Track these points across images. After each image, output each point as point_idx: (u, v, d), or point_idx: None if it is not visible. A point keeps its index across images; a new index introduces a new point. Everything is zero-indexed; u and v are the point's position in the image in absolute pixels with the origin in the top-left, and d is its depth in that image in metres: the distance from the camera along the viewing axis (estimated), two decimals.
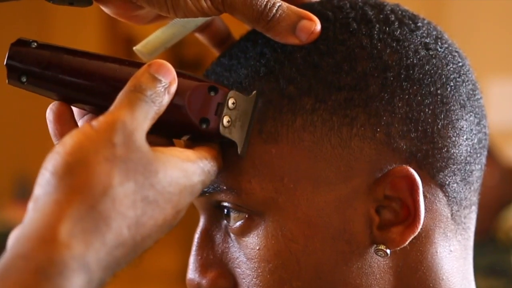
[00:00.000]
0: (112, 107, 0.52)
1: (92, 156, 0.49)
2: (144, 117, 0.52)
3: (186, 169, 0.53)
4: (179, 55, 8.39)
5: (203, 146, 0.56)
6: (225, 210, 0.60)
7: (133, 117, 0.51)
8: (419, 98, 0.59)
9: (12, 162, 4.25)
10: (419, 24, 0.62)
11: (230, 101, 0.57)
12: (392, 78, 0.58)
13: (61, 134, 0.57)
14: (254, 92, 0.58)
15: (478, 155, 0.62)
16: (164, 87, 0.53)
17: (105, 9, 0.61)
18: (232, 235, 0.61)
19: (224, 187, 0.59)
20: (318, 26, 0.59)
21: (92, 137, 0.50)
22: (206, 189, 0.59)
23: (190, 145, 0.58)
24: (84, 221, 0.47)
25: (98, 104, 0.56)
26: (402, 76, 0.58)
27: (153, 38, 0.66)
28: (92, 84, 0.56)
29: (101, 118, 0.51)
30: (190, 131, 0.57)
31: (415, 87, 0.59)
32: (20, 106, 4.30)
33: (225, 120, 0.57)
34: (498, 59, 3.00)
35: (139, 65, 0.55)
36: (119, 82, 0.55)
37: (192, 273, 0.62)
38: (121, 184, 0.49)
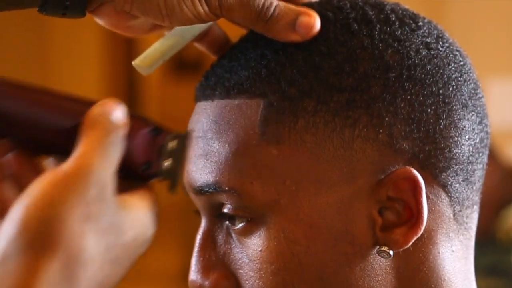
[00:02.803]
0: (81, 150, 0.49)
1: (65, 214, 0.46)
2: (113, 163, 0.49)
3: (148, 224, 0.51)
4: (179, 56, 8.39)
5: (145, 189, 0.53)
6: (228, 215, 0.60)
7: (105, 165, 0.48)
8: (421, 98, 0.58)
9: None
10: (420, 23, 0.62)
11: (171, 143, 0.55)
12: (394, 79, 0.58)
13: (22, 176, 0.52)
14: (190, 130, 0.58)
15: (480, 154, 0.62)
16: (122, 128, 0.51)
17: (99, 21, 0.61)
18: (234, 236, 0.60)
19: (226, 188, 0.58)
20: (317, 21, 0.59)
21: (64, 191, 0.46)
22: (207, 189, 0.59)
23: (125, 186, 0.53)
24: (57, 285, 0.45)
25: (50, 145, 0.53)
26: (404, 76, 0.58)
27: (151, 51, 0.65)
28: (42, 122, 0.52)
29: (72, 166, 0.47)
30: (132, 174, 0.54)
31: (417, 87, 0.58)
32: None
33: (166, 162, 0.55)
34: (498, 59, 3.00)
35: (89, 103, 0.52)
36: (72, 120, 0.52)
37: (194, 275, 0.62)
38: (94, 247, 0.47)
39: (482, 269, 1.81)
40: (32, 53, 4.25)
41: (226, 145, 0.59)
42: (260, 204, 0.58)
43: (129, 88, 7.43)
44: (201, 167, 0.60)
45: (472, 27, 2.96)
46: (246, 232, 0.59)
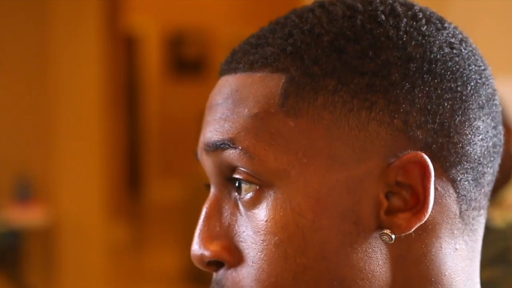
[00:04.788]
0: None
1: None
2: None
3: None
4: (179, 55, 8.41)
5: None
6: (237, 183, 0.61)
7: None
8: (439, 91, 0.60)
9: (12, 162, 4.26)
10: (446, 25, 0.64)
11: None
12: (414, 69, 0.59)
13: None
14: None
15: (492, 158, 0.63)
16: None
17: None
18: (241, 208, 0.61)
19: (240, 147, 0.59)
20: None
21: None
22: (220, 143, 0.60)
23: None
24: None
25: None
26: (425, 68, 0.60)
27: None
28: None
29: None
30: None
31: (436, 81, 0.60)
32: (20, 106, 4.30)
33: None
34: (498, 59, 3.00)
35: None
36: None
37: (196, 244, 0.62)
38: None
39: (487, 260, 1.79)
40: (31, 52, 4.24)
41: (246, 109, 0.60)
42: (270, 171, 0.59)
43: (129, 88, 7.42)
44: (218, 127, 0.61)
45: (472, 27, 2.96)
46: (253, 203, 0.60)
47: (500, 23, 3.08)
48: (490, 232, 1.91)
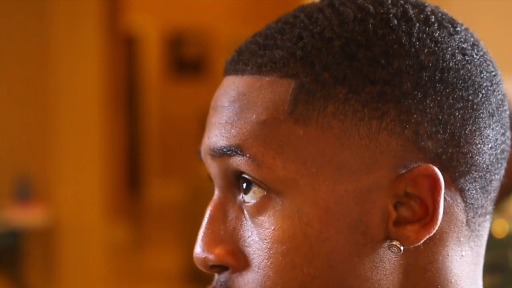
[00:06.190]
0: None
1: None
2: None
3: None
4: (179, 55, 8.40)
5: None
6: (245, 184, 0.60)
7: None
8: (450, 101, 0.59)
9: (12, 162, 4.26)
10: (458, 28, 0.63)
11: None
12: (426, 78, 0.59)
13: None
14: None
15: (499, 165, 0.63)
16: None
17: None
18: (246, 212, 0.60)
19: (248, 155, 0.59)
20: None
21: None
22: (226, 150, 0.59)
23: None
24: None
25: None
26: (437, 77, 0.59)
27: None
28: None
29: None
30: None
31: (448, 90, 0.59)
32: (20, 106, 4.30)
33: None
34: (497, 59, 3.00)
35: None
36: None
37: (200, 247, 0.61)
38: None
39: (486, 265, 1.79)
40: (31, 52, 4.24)
41: (254, 115, 0.59)
42: (278, 180, 0.58)
43: (129, 88, 7.42)
44: (224, 132, 0.60)
45: (471, 27, 2.96)
46: (259, 209, 0.59)
47: (499, 23, 3.07)
48: (489, 236, 1.91)
